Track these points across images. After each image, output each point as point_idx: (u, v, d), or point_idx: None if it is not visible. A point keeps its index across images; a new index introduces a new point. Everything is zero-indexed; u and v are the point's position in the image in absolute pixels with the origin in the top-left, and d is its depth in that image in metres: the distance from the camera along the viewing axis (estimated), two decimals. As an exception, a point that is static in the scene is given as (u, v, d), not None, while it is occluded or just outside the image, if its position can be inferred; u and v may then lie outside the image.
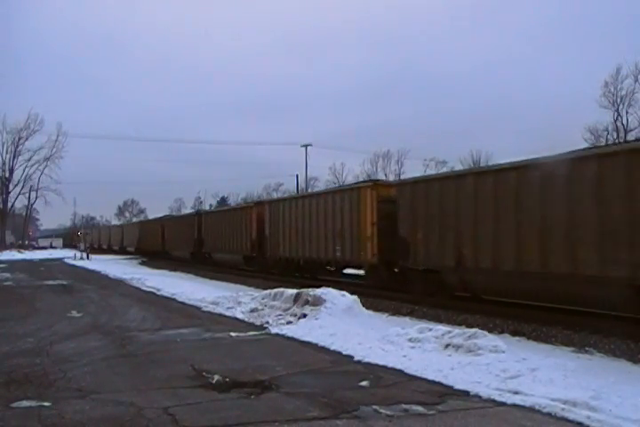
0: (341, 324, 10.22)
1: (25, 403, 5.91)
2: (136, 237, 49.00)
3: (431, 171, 55.14)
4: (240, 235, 26.18)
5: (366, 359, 7.76)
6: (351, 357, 8.00)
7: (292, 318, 11.20)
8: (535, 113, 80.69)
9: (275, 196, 75.76)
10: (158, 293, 17.74)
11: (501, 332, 10.18)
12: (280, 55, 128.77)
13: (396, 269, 15.90)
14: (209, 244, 31.16)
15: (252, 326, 10.88)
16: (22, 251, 63.49)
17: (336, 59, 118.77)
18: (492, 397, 5.94)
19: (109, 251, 61.39)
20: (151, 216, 73.96)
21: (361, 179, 68.79)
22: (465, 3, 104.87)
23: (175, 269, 30.66)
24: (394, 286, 15.70)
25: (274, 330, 10.32)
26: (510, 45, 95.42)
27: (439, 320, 11.53)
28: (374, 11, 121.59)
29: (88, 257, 46.33)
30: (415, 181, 15.23)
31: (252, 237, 24.85)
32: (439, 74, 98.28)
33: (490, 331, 9.31)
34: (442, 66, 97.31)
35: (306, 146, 55.72)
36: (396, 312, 13.01)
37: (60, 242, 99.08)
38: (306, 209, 20.25)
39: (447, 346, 8.23)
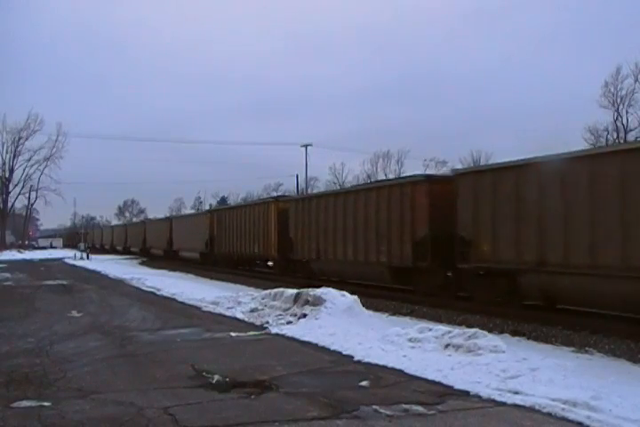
0: (341, 324, 10.22)
1: (25, 403, 5.91)
2: (204, 235, 31.94)
3: (431, 171, 55.07)
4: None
5: (366, 359, 7.76)
6: (351, 357, 8.00)
7: (292, 318, 11.20)
8: (535, 113, 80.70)
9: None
10: (158, 293, 17.74)
11: (501, 332, 10.19)
12: (281, 57, 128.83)
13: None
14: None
15: (252, 326, 10.88)
16: (22, 251, 63.52)
17: (337, 61, 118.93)
18: (492, 397, 5.94)
19: (154, 257, 43.18)
20: (151, 216, 73.79)
21: (361, 179, 69.06)
22: (466, 7, 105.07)
23: (175, 269, 30.67)
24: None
25: (274, 330, 10.32)
26: (510, 46, 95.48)
27: (439, 320, 11.54)
28: (375, 14, 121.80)
29: (88, 257, 46.34)
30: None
31: None
32: (440, 75, 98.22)
33: (490, 331, 9.32)
34: (442, 67, 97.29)
35: (306, 146, 55.62)
36: (395, 312, 13.02)
37: (60, 242, 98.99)
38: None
39: (447, 346, 8.23)
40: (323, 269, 19.89)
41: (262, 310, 12.34)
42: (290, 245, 21.63)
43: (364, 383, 6.60)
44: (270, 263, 26.13)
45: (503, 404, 5.75)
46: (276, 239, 23.26)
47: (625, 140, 43.42)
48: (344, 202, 18.22)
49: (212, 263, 30.90)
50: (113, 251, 59.38)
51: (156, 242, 43.86)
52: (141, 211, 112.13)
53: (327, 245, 18.98)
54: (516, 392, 6.00)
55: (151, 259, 42.43)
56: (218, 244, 30.39)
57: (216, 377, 6.84)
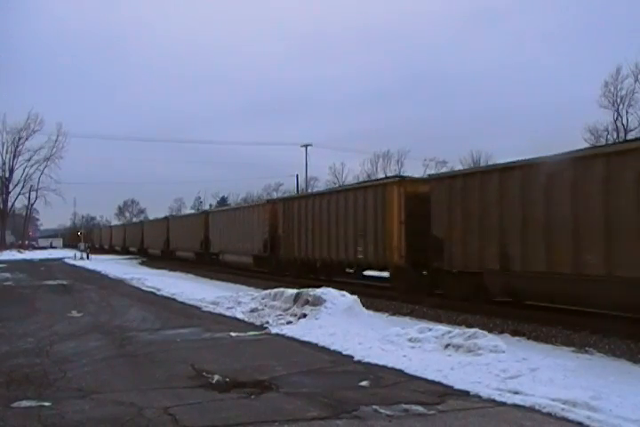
0: (341, 324, 10.22)
1: (25, 403, 5.90)
2: (261, 234, 24.52)
3: (431, 171, 55.07)
4: None
5: (366, 359, 7.75)
6: (351, 357, 8.00)
7: (292, 318, 11.20)
8: (535, 113, 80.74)
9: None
10: (158, 293, 17.73)
11: (501, 332, 10.18)
12: (281, 58, 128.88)
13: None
14: None
15: (251, 326, 10.87)
16: (22, 251, 63.54)
17: (337, 61, 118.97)
18: (492, 397, 5.94)
19: (181, 262, 35.98)
20: (151, 216, 73.49)
21: (361, 179, 68.87)
22: (466, 8, 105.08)
23: (175, 270, 30.63)
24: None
25: (274, 330, 10.32)
26: (511, 47, 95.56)
27: (439, 320, 11.53)
28: (375, 16, 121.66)
29: (88, 257, 46.33)
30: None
31: None
32: (440, 75, 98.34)
33: (490, 331, 9.32)
34: (442, 68, 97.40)
35: (306, 146, 55.66)
36: (395, 312, 13.02)
37: (59, 242, 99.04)
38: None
39: (447, 346, 8.23)
40: (516, 286, 11.98)
41: (262, 310, 12.33)
42: (437, 249, 13.76)
43: (363, 383, 6.60)
44: (370, 273, 18.55)
45: (503, 404, 5.75)
46: (400, 239, 15.20)
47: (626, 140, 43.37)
48: (576, 173, 10.50)
49: (273, 271, 23.35)
50: (126, 252, 54.06)
51: (183, 243, 36.07)
52: (141, 211, 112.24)
53: (528, 249, 11.31)
54: (516, 392, 6.00)
55: (179, 263, 35.30)
56: (285, 245, 22.07)
57: (216, 377, 6.83)
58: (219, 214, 31.74)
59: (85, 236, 67.06)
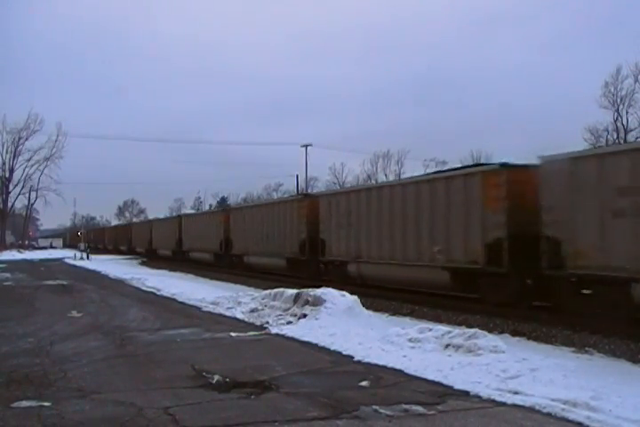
0: (341, 324, 10.22)
1: (25, 403, 5.91)
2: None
3: (431, 171, 54.96)
4: None
5: (366, 359, 7.76)
6: (351, 357, 8.00)
7: (292, 318, 11.20)
8: (535, 113, 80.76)
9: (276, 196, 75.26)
10: (158, 293, 17.73)
11: (501, 332, 10.19)
12: (282, 58, 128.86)
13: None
14: None
15: (252, 326, 10.88)
16: (22, 251, 63.50)
17: (338, 62, 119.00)
18: (492, 397, 5.94)
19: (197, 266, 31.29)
20: (151, 216, 73.23)
21: (361, 179, 68.81)
22: (468, 10, 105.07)
23: (175, 270, 30.62)
24: None
25: (274, 330, 10.32)
26: (510, 47, 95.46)
27: (439, 320, 11.53)
28: (376, 17, 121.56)
29: (88, 257, 46.33)
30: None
31: None
32: (440, 76, 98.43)
33: (490, 331, 9.32)
34: (443, 69, 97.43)
35: (306, 146, 55.56)
36: (395, 312, 13.02)
37: (60, 242, 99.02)
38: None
39: (447, 346, 8.23)
40: None
41: (262, 310, 12.33)
42: (552, 250, 10.80)
43: (364, 383, 6.60)
44: None
45: (503, 404, 5.75)
46: (501, 240, 11.88)
47: (625, 141, 43.42)
48: None
49: (312, 276, 19.49)
50: (132, 253, 49.85)
51: (199, 243, 32.03)
52: (141, 211, 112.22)
53: None
54: (516, 392, 6.00)
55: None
56: (331, 247, 18.41)
57: (216, 377, 6.83)
58: (242, 212, 27.99)
59: (86, 236, 66.83)
